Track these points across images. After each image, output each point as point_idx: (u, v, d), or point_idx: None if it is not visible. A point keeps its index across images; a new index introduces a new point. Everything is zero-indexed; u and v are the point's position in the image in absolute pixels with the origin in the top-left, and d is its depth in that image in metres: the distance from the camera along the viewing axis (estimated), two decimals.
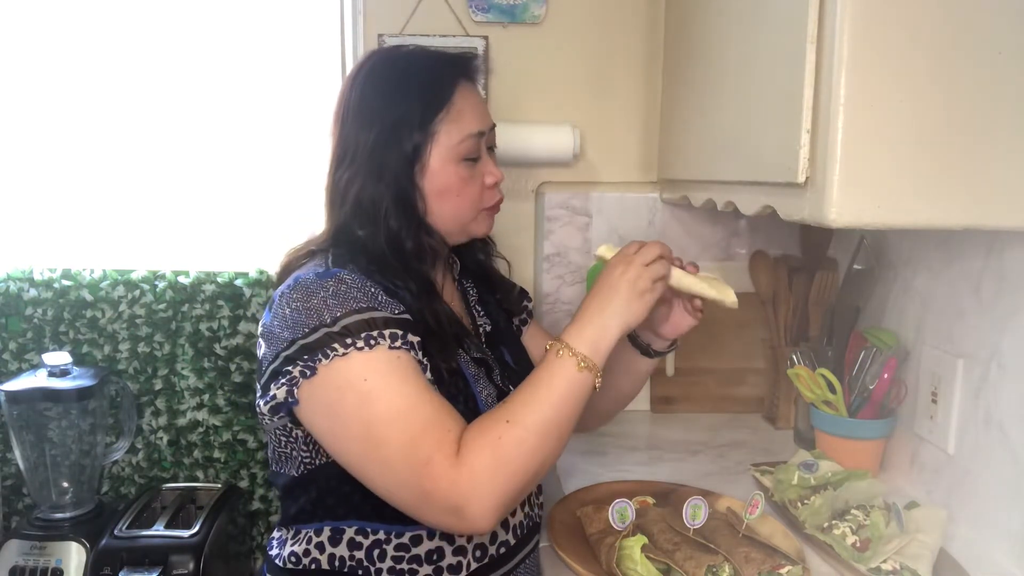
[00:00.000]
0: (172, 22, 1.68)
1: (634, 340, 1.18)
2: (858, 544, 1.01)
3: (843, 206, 0.84)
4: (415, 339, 0.92)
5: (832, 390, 1.27)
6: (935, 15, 0.82)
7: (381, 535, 0.95)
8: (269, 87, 1.70)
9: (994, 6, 0.82)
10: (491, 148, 1.08)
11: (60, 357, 1.60)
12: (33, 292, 1.69)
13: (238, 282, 1.72)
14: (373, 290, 0.93)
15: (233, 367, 1.74)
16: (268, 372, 0.91)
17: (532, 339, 1.24)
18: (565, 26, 1.65)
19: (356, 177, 0.99)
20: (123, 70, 1.69)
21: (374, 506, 0.92)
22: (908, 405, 1.25)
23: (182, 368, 1.74)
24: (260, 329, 0.95)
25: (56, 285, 1.70)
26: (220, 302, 1.72)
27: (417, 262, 1.00)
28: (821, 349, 1.37)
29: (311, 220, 1.08)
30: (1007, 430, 1.03)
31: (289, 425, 0.95)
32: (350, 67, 1.63)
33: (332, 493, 0.96)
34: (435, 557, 0.96)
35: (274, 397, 0.90)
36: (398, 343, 0.90)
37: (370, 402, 0.87)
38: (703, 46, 1.32)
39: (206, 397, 1.74)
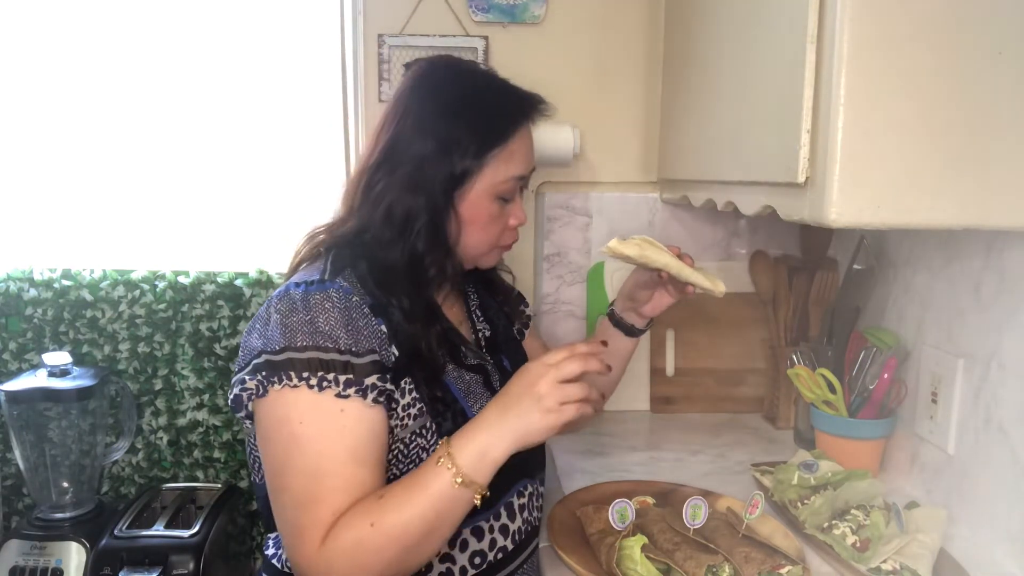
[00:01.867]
0: (172, 22, 1.68)
1: (618, 322, 1.24)
2: (858, 544, 1.01)
3: (843, 206, 0.84)
4: (371, 382, 0.89)
5: (832, 390, 1.27)
6: (935, 15, 0.82)
7: None
8: (269, 87, 1.70)
9: (994, 6, 0.82)
10: (523, 188, 1.08)
11: (60, 357, 1.60)
12: (33, 292, 1.69)
13: (238, 282, 1.72)
14: (353, 314, 0.91)
15: (233, 367, 1.74)
16: (237, 375, 0.93)
17: (528, 349, 1.24)
18: (565, 26, 1.65)
19: (395, 183, 0.97)
20: (123, 70, 1.69)
21: None
22: (908, 405, 1.25)
23: (182, 368, 1.74)
24: (248, 324, 0.96)
25: (56, 285, 1.70)
26: (220, 302, 1.72)
27: (425, 279, 0.99)
28: (821, 349, 1.37)
29: (311, 220, 1.07)
30: (1007, 430, 1.03)
31: None
32: (350, 67, 1.64)
33: None
34: (424, 569, 0.95)
35: (236, 405, 0.92)
36: (349, 391, 0.88)
37: (295, 448, 0.87)
38: (703, 46, 1.32)
39: (206, 397, 1.74)
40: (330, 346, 0.88)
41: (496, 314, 1.18)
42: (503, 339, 1.16)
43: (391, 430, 0.93)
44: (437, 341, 0.97)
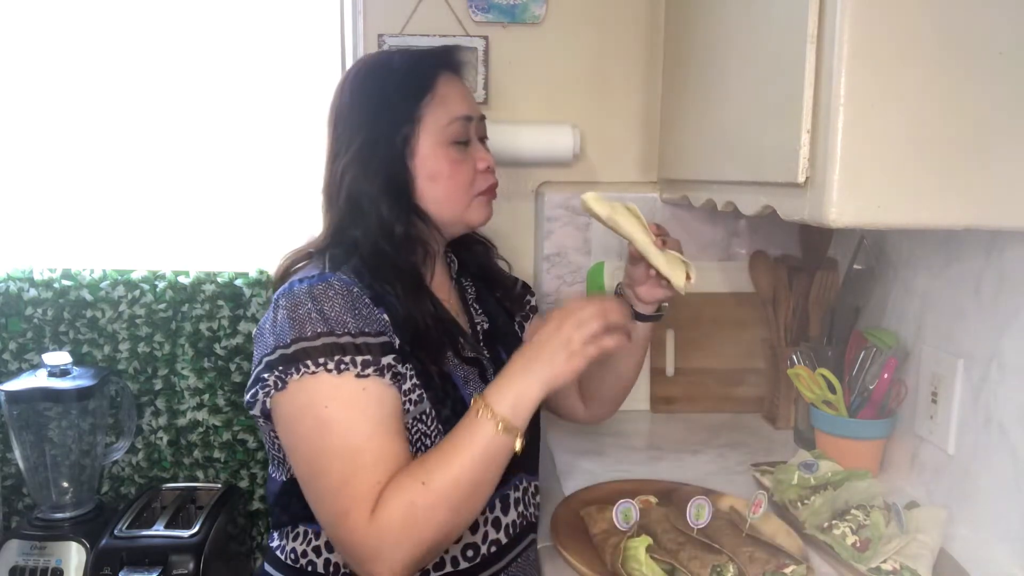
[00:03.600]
0: (172, 22, 1.68)
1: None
2: (858, 544, 1.01)
3: (843, 206, 0.84)
4: (387, 361, 0.92)
5: (832, 390, 1.27)
6: (935, 15, 0.82)
7: None
8: (269, 87, 1.70)
9: (994, 6, 0.82)
10: (483, 139, 1.10)
11: (60, 357, 1.60)
12: (33, 292, 1.69)
13: (238, 282, 1.72)
14: (357, 301, 0.93)
15: (233, 367, 1.74)
16: (253, 375, 0.94)
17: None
18: (565, 26, 1.65)
19: (348, 169, 1.01)
20: (123, 70, 1.69)
21: None
22: (908, 405, 1.25)
23: (182, 368, 1.74)
24: (255, 330, 0.98)
25: (56, 285, 1.70)
26: (220, 302, 1.72)
27: (407, 253, 1.01)
28: (821, 349, 1.37)
29: (311, 220, 1.09)
30: (1007, 430, 1.03)
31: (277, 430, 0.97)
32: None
33: None
34: None
35: (252, 402, 0.93)
36: (368, 371, 0.90)
37: (324, 431, 0.88)
38: (703, 46, 1.32)
39: (206, 397, 1.74)
40: (341, 331, 0.90)
41: (495, 308, 1.18)
42: (502, 333, 1.16)
43: None
44: (433, 324, 0.98)
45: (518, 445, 0.90)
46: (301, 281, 0.94)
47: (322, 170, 1.07)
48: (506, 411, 0.89)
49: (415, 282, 1.00)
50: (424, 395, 0.95)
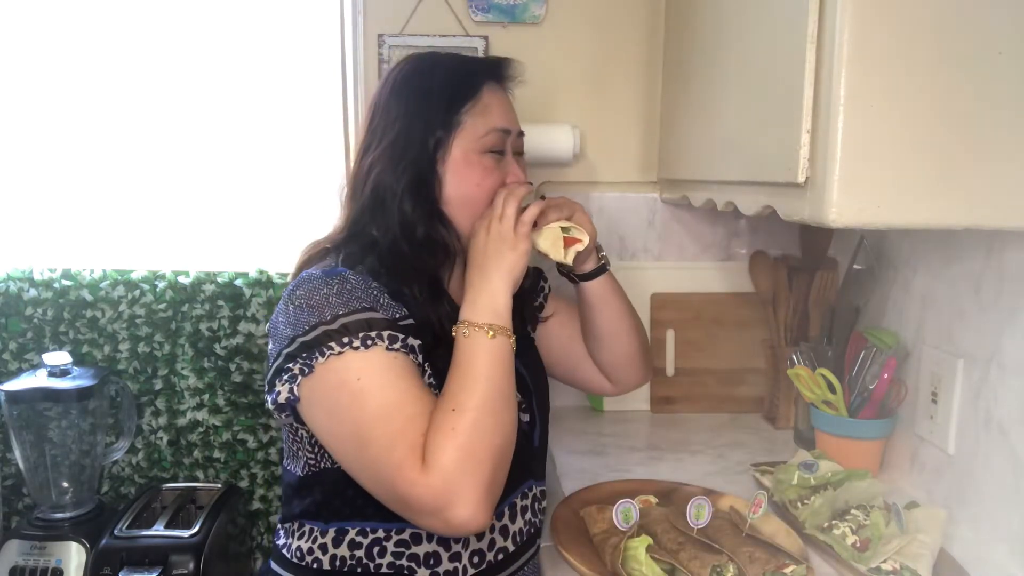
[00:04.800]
0: (172, 22, 1.68)
1: (559, 268, 1.18)
2: (858, 544, 1.01)
3: (843, 206, 0.84)
4: (415, 343, 0.93)
5: (832, 390, 1.27)
6: (935, 15, 0.82)
7: (381, 533, 0.96)
8: (269, 87, 1.70)
9: (994, 6, 0.82)
10: (519, 155, 1.10)
11: (60, 357, 1.60)
12: (33, 292, 1.69)
13: (238, 282, 1.72)
14: (376, 292, 0.94)
15: (233, 367, 1.74)
16: (272, 369, 0.93)
17: (556, 308, 1.25)
18: (565, 26, 1.65)
19: (377, 163, 1.01)
20: (123, 70, 1.69)
21: (377, 508, 0.93)
22: (908, 405, 1.25)
23: (182, 368, 1.74)
24: (268, 326, 0.97)
25: (56, 285, 1.70)
26: (220, 302, 1.72)
27: (428, 255, 1.01)
28: (821, 349, 1.37)
29: (311, 219, 1.09)
30: (1007, 430, 1.03)
31: (295, 424, 0.96)
32: (350, 67, 1.64)
33: (337, 496, 0.96)
34: (432, 561, 0.96)
35: (278, 394, 0.91)
36: (397, 345, 0.91)
37: (362, 400, 0.88)
38: (703, 46, 1.32)
39: (206, 397, 1.74)
40: (365, 306, 0.91)
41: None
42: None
43: None
44: (451, 327, 0.98)
45: (513, 342, 0.94)
46: (313, 272, 0.94)
47: (351, 161, 1.07)
48: (487, 318, 0.93)
49: (433, 284, 1.01)
50: (437, 395, 0.94)
